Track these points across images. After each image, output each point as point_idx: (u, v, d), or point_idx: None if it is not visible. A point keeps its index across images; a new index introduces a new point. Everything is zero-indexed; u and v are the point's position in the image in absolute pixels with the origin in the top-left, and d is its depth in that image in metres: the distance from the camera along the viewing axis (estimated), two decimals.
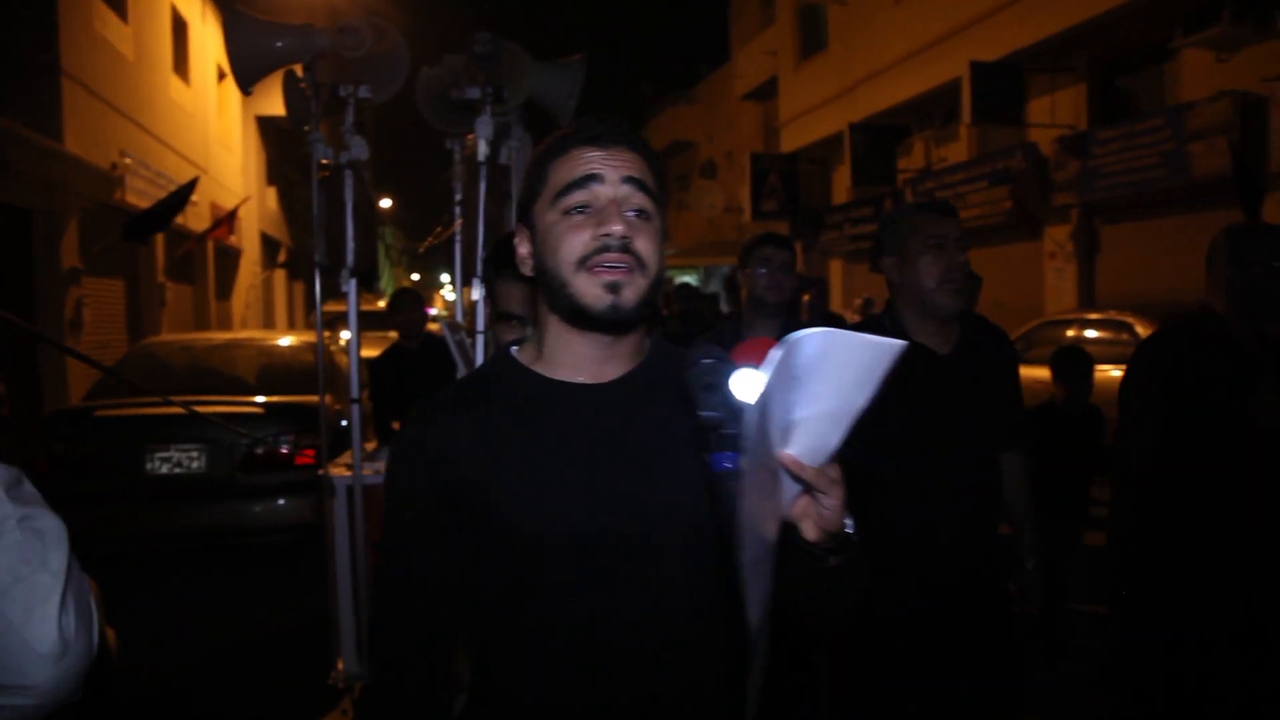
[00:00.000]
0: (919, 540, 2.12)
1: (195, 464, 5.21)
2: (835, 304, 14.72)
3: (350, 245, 3.60)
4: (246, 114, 18.10)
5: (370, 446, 4.44)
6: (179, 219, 10.39)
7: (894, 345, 0.89)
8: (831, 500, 1.00)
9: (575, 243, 1.14)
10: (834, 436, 0.95)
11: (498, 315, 2.11)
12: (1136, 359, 2.58)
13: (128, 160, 10.93)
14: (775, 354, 0.85)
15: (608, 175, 1.15)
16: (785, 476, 0.99)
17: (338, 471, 3.82)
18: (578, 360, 1.20)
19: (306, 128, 3.73)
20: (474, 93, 3.47)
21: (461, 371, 3.59)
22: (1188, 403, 2.41)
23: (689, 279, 27.02)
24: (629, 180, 1.16)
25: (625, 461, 1.16)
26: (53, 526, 0.85)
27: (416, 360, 5.03)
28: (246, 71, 3.61)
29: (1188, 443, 2.42)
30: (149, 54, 12.37)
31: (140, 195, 11.07)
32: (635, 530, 1.14)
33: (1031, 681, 3.10)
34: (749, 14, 22.43)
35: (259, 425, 5.30)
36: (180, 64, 13.72)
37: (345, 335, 10.99)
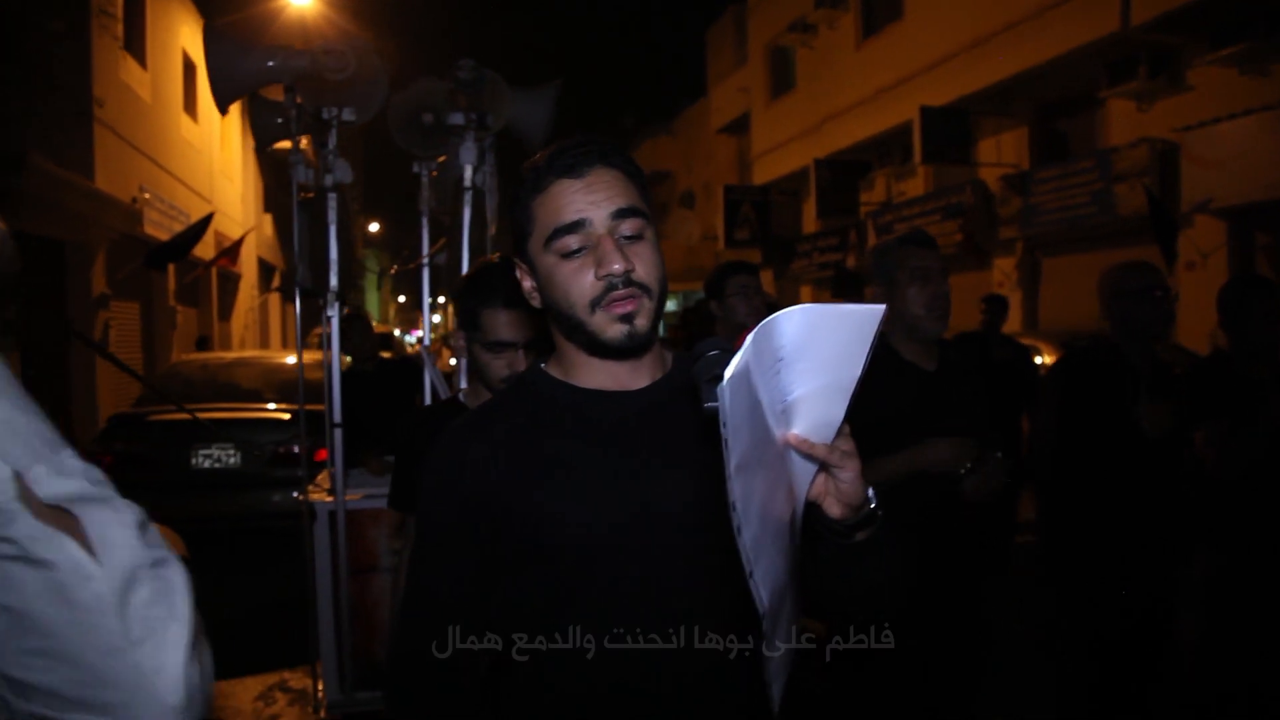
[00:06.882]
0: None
1: (232, 460, 6.14)
2: None
3: (334, 268, 3.54)
4: (245, 147, 19.01)
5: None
6: None
7: (875, 310, 0.90)
8: (847, 473, 1.00)
9: (583, 287, 1.15)
10: (837, 410, 0.95)
11: (488, 345, 2.01)
12: (1043, 386, 2.91)
13: (146, 195, 11.85)
14: (751, 336, 0.86)
15: (594, 216, 1.15)
16: (796, 458, 0.98)
17: (318, 496, 3.69)
18: (604, 377, 1.22)
19: (277, 148, 3.70)
20: (458, 118, 3.41)
21: (440, 393, 3.64)
22: (1085, 419, 2.69)
23: (669, 305, 27.80)
24: (616, 214, 1.16)
25: (661, 463, 1.18)
26: (177, 570, 0.80)
27: (372, 384, 5.01)
28: (225, 92, 3.55)
29: (1088, 452, 2.68)
30: (163, 96, 13.32)
31: (156, 226, 11.98)
32: (675, 529, 1.16)
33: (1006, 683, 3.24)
34: (724, 53, 23.45)
35: (285, 429, 6.24)
36: (190, 103, 14.67)
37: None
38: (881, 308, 0.90)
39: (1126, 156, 11.06)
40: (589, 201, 1.15)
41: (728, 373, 0.85)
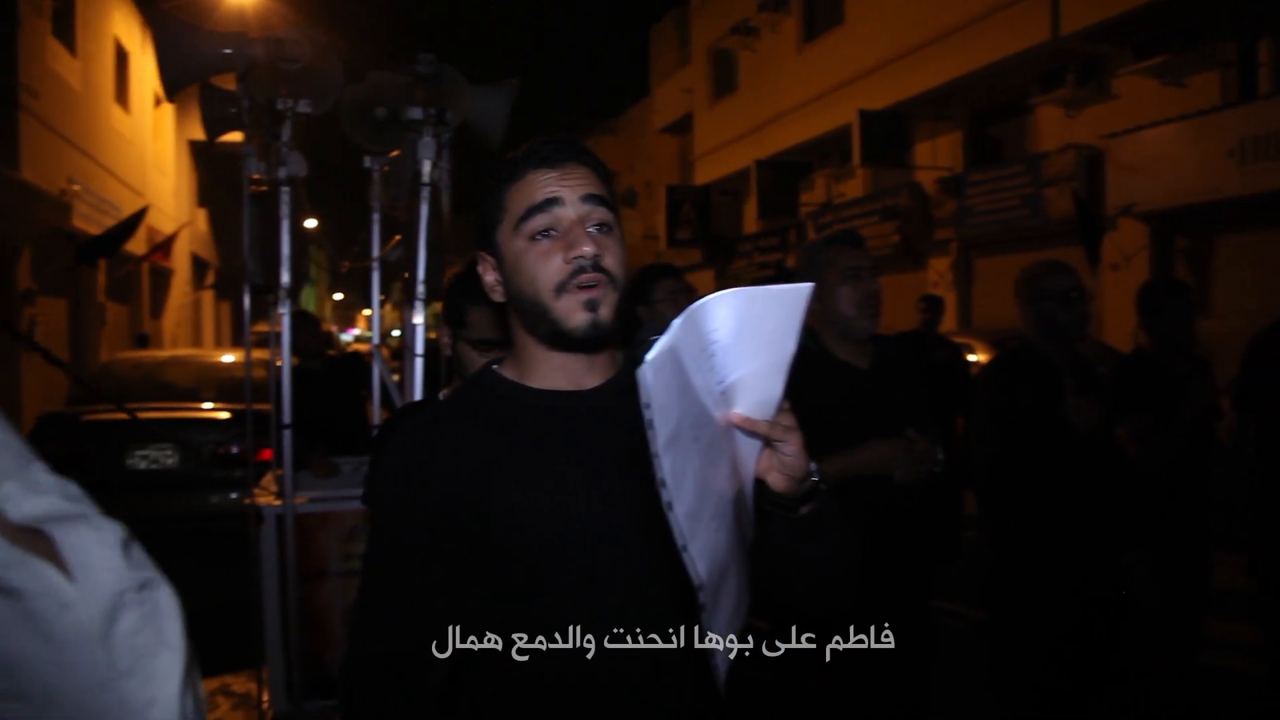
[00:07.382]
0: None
1: (170, 461, 6.02)
2: None
3: (285, 263, 3.43)
4: (179, 139, 18.56)
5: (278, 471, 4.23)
6: None
7: (803, 289, 0.92)
8: (790, 446, 1.03)
9: (550, 269, 1.16)
10: (776, 387, 0.98)
11: (474, 343, 2.05)
12: (977, 389, 2.97)
13: (76, 187, 11.50)
14: (680, 319, 0.88)
15: (566, 197, 1.16)
16: (741, 436, 1.01)
17: (265, 499, 3.60)
18: (560, 376, 1.23)
19: (225, 139, 3.58)
20: (416, 113, 3.32)
21: (390, 391, 3.73)
22: (1019, 419, 2.75)
23: None
24: (588, 198, 1.18)
25: (613, 463, 1.17)
26: (166, 591, 0.73)
27: (320, 380, 5.08)
28: (175, 78, 3.42)
29: (1023, 450, 2.75)
30: (94, 85, 12.95)
31: (86, 220, 11.64)
32: (627, 531, 1.16)
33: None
34: (667, 53, 23.58)
35: (226, 429, 6.14)
36: (121, 93, 14.28)
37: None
38: (809, 286, 0.93)
39: (1055, 161, 11.44)
40: (563, 185, 1.17)
41: (649, 355, 0.87)
